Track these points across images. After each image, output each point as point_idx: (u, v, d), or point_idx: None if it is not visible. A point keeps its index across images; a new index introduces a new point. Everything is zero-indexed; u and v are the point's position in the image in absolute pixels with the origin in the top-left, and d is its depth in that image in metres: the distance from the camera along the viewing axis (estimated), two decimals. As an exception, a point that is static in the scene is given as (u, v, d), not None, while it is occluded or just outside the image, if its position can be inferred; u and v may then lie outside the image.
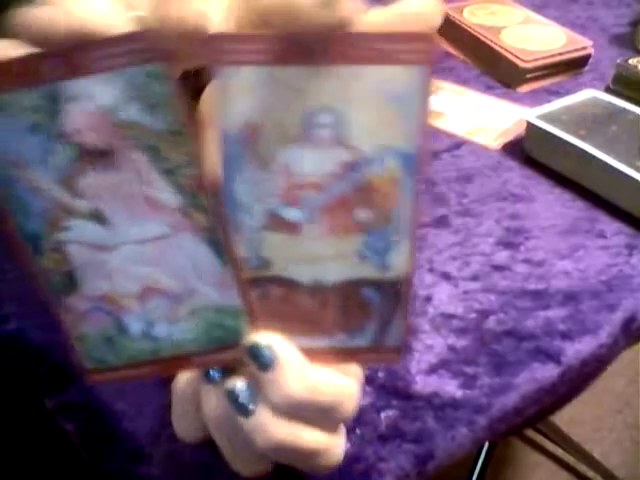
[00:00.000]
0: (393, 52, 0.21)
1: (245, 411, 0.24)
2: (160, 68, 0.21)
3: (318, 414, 0.25)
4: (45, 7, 0.20)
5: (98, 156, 0.22)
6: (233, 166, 0.23)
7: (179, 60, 0.23)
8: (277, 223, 0.24)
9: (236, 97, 0.22)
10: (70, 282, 0.24)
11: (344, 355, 0.26)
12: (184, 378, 0.26)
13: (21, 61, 0.21)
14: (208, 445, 0.27)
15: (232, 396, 0.24)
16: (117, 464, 0.33)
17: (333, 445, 0.26)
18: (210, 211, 0.23)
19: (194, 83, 0.26)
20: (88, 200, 0.23)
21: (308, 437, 0.25)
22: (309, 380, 0.24)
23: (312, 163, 0.23)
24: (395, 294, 0.25)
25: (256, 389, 0.24)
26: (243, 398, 0.24)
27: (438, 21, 0.22)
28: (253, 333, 0.25)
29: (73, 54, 0.21)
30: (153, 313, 0.24)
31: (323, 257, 0.24)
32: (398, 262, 0.24)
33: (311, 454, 0.25)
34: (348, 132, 0.22)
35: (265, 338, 0.24)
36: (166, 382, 0.27)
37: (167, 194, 0.23)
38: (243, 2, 0.24)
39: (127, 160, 0.22)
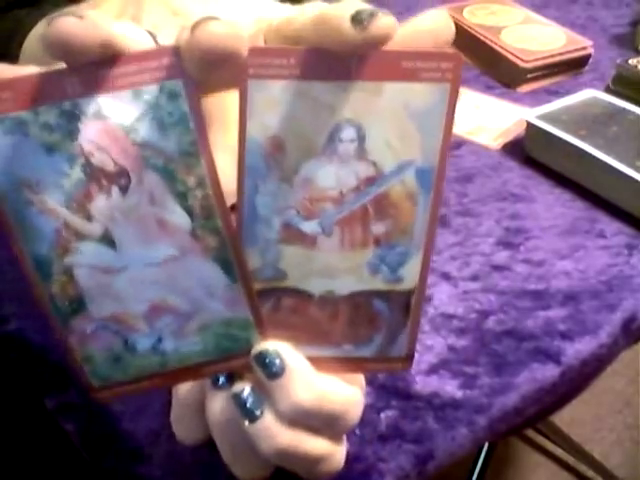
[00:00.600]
0: (419, 70, 0.21)
1: (252, 416, 0.24)
2: (180, 86, 0.21)
3: (324, 422, 0.25)
4: (74, 19, 0.19)
5: (112, 178, 0.22)
6: (256, 179, 0.23)
7: (210, 84, 0.22)
8: (294, 236, 0.24)
9: (262, 110, 0.22)
10: (77, 305, 0.23)
11: (351, 364, 0.26)
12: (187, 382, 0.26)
13: (42, 77, 0.20)
14: (208, 445, 0.27)
15: (239, 401, 0.24)
16: (117, 464, 0.33)
17: (335, 452, 0.26)
18: (221, 230, 0.23)
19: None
20: (99, 223, 0.22)
21: (312, 444, 0.25)
22: (316, 388, 0.24)
23: (333, 177, 0.23)
24: (405, 306, 0.25)
25: (263, 395, 0.25)
26: (250, 403, 0.24)
27: (451, 36, 0.22)
28: (262, 342, 0.25)
29: (94, 70, 0.20)
30: (162, 330, 0.24)
31: (337, 269, 0.24)
32: (410, 275, 0.24)
33: (314, 460, 0.25)
34: (369, 147, 0.22)
35: (274, 346, 0.25)
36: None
37: (179, 216, 0.22)
38: (272, 31, 0.24)
39: (141, 182, 0.22)
